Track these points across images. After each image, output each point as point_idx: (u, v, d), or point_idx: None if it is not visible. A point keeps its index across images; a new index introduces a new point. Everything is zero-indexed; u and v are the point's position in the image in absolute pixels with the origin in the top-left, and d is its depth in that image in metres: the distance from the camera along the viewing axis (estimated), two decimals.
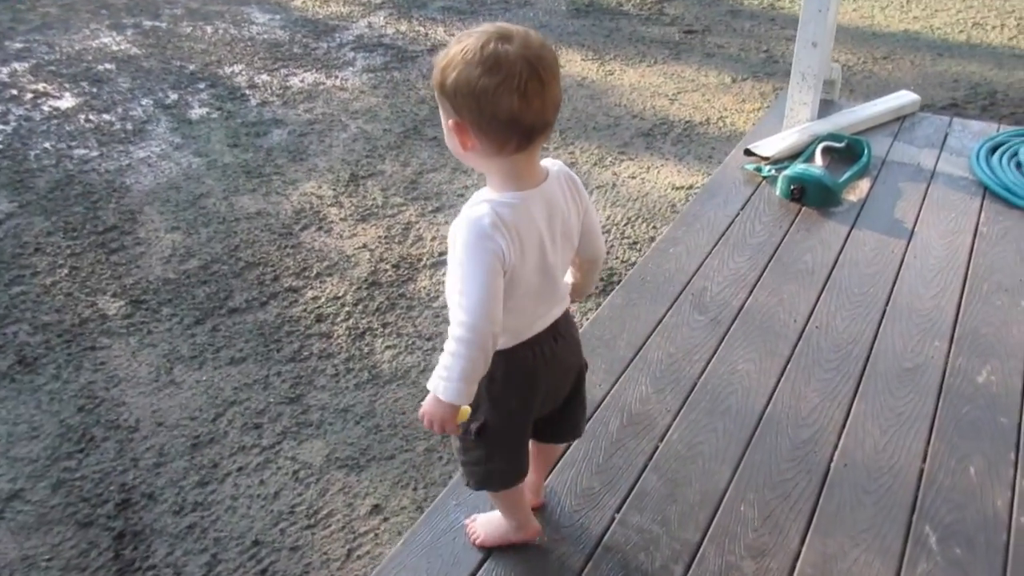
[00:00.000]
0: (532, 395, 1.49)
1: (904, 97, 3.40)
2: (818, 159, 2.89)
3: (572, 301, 1.58)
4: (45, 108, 4.98)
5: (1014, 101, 4.57)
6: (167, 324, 3.07)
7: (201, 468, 2.43)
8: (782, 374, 2.03)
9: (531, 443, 1.63)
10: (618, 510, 1.68)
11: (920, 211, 2.72)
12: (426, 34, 5.93)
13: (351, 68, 5.38)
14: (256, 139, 4.47)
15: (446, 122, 1.31)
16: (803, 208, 2.73)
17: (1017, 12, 5.96)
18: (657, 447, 1.83)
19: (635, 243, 3.37)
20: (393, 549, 1.71)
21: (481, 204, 1.32)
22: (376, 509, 2.27)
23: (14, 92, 5.20)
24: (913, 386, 1.99)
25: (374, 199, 3.82)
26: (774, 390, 1.98)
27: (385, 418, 2.56)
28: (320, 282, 3.26)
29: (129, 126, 4.68)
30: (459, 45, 1.25)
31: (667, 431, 1.87)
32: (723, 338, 2.16)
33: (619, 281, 3.00)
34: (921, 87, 4.82)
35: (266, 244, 3.53)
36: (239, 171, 4.14)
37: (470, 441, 1.51)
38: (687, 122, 4.43)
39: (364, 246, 3.47)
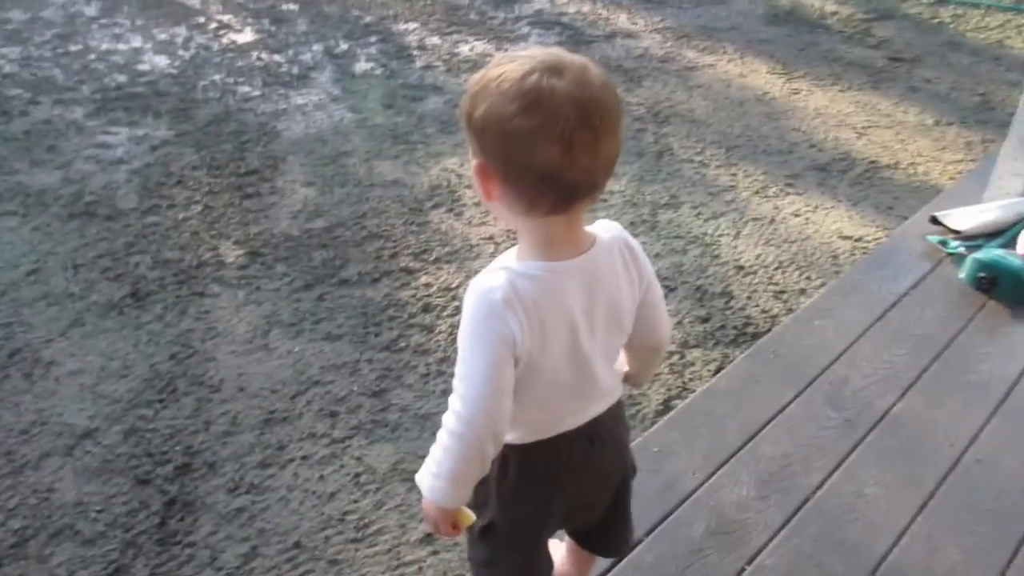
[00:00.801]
0: (552, 502, 1.24)
1: None
2: (1020, 246, 2.42)
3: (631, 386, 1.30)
4: (224, 40, 5.08)
5: None
6: (277, 283, 3.00)
7: (267, 447, 2.33)
8: (919, 512, 1.66)
9: (568, 541, 1.39)
10: None
11: None
12: (608, 18, 5.64)
13: (523, 43, 5.18)
14: (412, 103, 4.36)
15: (471, 160, 1.06)
16: (989, 302, 2.29)
17: None
18: (743, 570, 1.53)
19: (782, 292, 3.00)
20: None
21: (498, 272, 1.07)
22: (428, 539, 2.09)
23: (201, 20, 5.35)
24: None
25: None
26: (904, 531, 1.62)
27: None
28: (437, 268, 3.10)
29: (295, 70, 4.70)
30: (497, 69, 1.00)
31: (760, 552, 1.57)
32: (855, 447, 1.81)
33: (753, 334, 2.66)
34: None
35: (394, 216, 3.41)
36: (387, 134, 4.04)
37: (475, 538, 1.28)
38: (872, 162, 3.94)
39: (490, 238, 3.28)
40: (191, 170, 3.71)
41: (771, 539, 1.60)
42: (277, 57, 4.84)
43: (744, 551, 1.57)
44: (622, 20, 5.62)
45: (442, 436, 1.11)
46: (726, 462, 1.75)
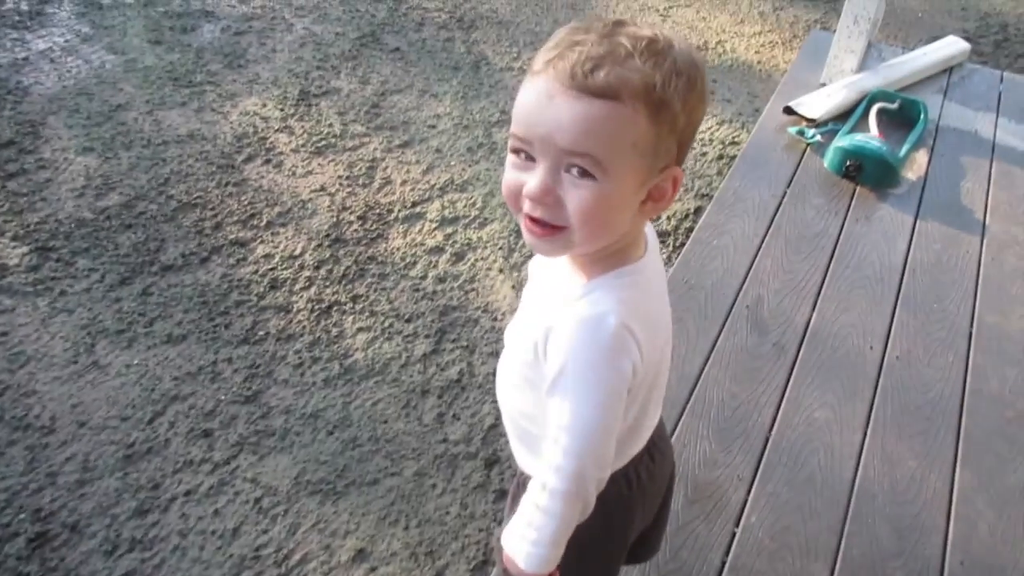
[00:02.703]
0: (625, 538, 1.12)
1: (954, 46, 2.99)
2: (872, 126, 2.48)
3: None
4: None
5: None
6: (84, 282, 2.52)
7: (138, 489, 1.98)
8: (867, 426, 1.69)
9: None
10: None
11: (988, 196, 2.37)
12: None
13: None
14: (183, 35, 3.77)
15: (633, 184, 0.83)
16: (858, 187, 2.34)
17: None
18: (734, 535, 1.48)
19: None
20: None
21: (595, 295, 0.89)
22: (360, 555, 1.88)
23: None
24: (1022, 445, 1.69)
25: (330, 125, 3.25)
26: (861, 449, 1.64)
27: (364, 428, 2.14)
28: (272, 234, 2.74)
29: (24, 6, 3.89)
30: (669, 54, 0.81)
31: (743, 510, 1.52)
32: (791, 371, 1.79)
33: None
34: (929, 14, 4.43)
35: (203, 178, 2.95)
36: (164, 77, 3.47)
37: None
38: None
39: (322, 188, 2.94)
40: None
41: (748, 494, 1.56)
42: None
43: (728, 514, 1.52)
44: None
45: (540, 497, 0.91)
46: (681, 418, 1.67)
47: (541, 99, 0.79)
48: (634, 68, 0.78)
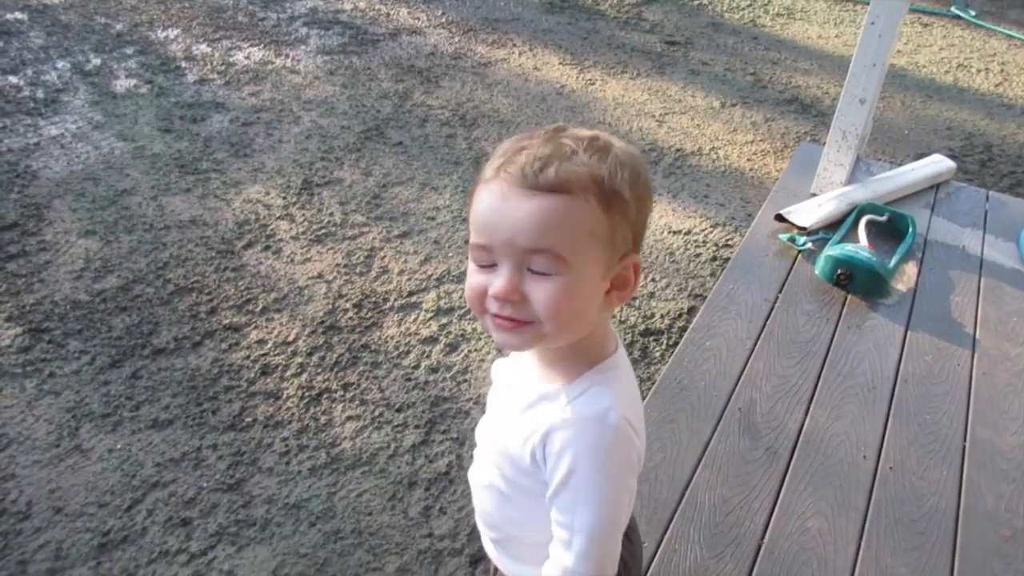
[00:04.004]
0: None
1: (940, 164, 3.09)
2: (862, 236, 2.53)
3: None
4: None
5: (1011, 158, 4.35)
6: (74, 364, 2.51)
7: None
8: (861, 538, 1.66)
9: None
10: None
11: (978, 310, 2.39)
12: (388, 15, 5.37)
13: (304, 47, 4.79)
14: (192, 125, 3.86)
15: (594, 276, 0.85)
16: (848, 295, 2.37)
17: (998, 57, 5.78)
18: None
19: (633, 298, 2.96)
20: None
21: (591, 392, 0.89)
22: None
23: None
24: (1020, 565, 1.65)
25: (331, 215, 3.30)
26: (855, 562, 1.61)
27: (347, 520, 2.09)
28: (267, 320, 2.74)
29: (40, 94, 4.00)
30: (597, 141, 0.86)
31: None
32: (784, 477, 1.77)
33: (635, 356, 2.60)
34: (916, 132, 4.57)
35: (202, 263, 2.98)
36: (171, 164, 3.55)
37: None
38: (678, 150, 4.03)
39: (320, 276, 2.96)
40: None
41: None
42: (13, 79, 4.10)
43: None
44: (403, 16, 5.37)
45: None
46: (671, 523, 1.64)
47: (496, 202, 0.82)
48: (580, 163, 0.82)
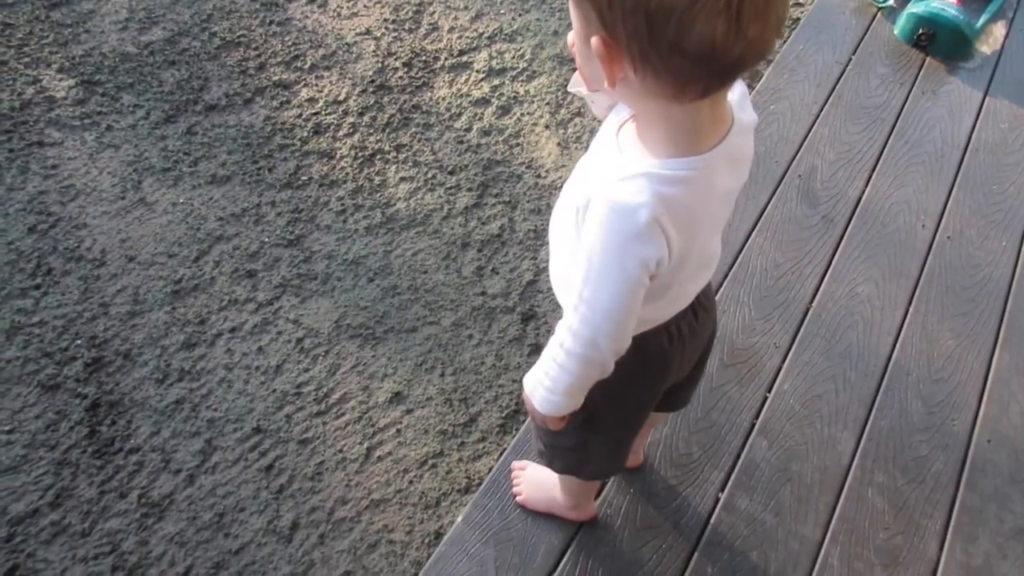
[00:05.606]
0: (659, 386, 1.15)
1: None
2: None
3: None
4: None
5: None
6: (130, 118, 2.52)
7: (186, 324, 2.05)
8: (910, 303, 1.67)
9: None
10: (722, 488, 1.38)
11: None
12: None
13: None
14: None
15: (583, 35, 0.81)
16: (927, 58, 2.22)
17: None
18: (765, 399, 1.50)
19: None
20: (451, 530, 1.41)
21: (638, 181, 0.85)
22: (397, 397, 1.95)
23: None
24: None
25: None
26: (901, 326, 1.64)
27: (404, 277, 2.17)
28: (316, 78, 2.69)
29: None
30: None
31: (776, 377, 1.54)
32: (838, 244, 1.77)
33: None
34: None
35: (246, 16, 2.88)
36: None
37: (572, 427, 1.16)
38: None
39: (367, 32, 2.85)
40: None
41: (783, 362, 1.57)
42: None
43: (761, 379, 1.54)
44: None
45: (557, 352, 0.97)
46: (723, 284, 1.66)
47: None
48: None
